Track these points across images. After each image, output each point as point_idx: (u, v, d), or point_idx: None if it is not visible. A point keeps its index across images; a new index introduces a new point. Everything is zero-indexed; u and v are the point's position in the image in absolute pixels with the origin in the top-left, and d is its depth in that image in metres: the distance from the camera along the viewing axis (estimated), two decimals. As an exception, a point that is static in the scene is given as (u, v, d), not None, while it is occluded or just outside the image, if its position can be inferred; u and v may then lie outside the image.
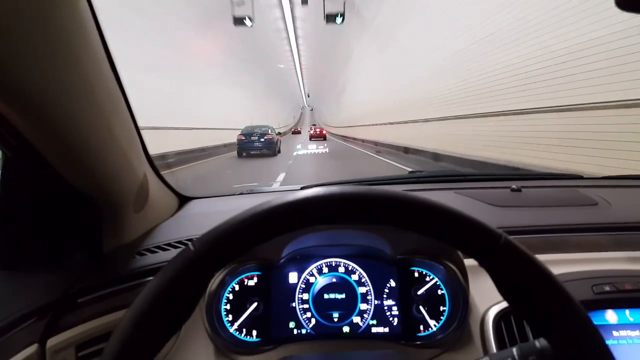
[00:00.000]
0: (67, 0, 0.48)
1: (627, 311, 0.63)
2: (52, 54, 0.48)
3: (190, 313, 0.33)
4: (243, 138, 13.57)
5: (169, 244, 0.79)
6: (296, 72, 38.96)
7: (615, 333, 0.62)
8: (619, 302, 0.63)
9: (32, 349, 0.56)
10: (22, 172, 0.65)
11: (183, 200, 1.10)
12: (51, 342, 0.58)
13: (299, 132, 47.96)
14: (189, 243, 0.32)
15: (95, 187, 0.66)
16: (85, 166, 0.62)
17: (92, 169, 0.63)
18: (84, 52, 0.53)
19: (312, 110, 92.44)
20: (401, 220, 0.34)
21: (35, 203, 0.68)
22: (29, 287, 0.65)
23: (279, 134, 18.69)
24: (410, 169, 1.76)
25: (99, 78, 0.58)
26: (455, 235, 0.34)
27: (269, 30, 21.58)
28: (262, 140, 13.43)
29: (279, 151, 14.23)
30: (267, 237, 0.33)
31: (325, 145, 17.45)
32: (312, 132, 27.63)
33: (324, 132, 27.88)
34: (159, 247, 0.78)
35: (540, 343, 0.41)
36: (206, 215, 0.99)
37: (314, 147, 16.01)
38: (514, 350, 0.42)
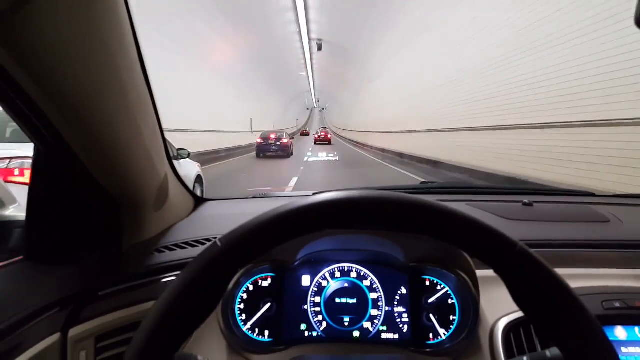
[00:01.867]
0: (105, 4, 0.51)
1: (636, 328, 0.63)
2: (88, 56, 0.50)
3: (215, 306, 0.35)
4: (262, 141, 15.77)
5: (187, 243, 0.81)
6: (307, 70, 37.17)
7: (624, 349, 0.62)
8: (628, 319, 0.63)
9: (55, 337, 0.58)
10: (52, 167, 0.68)
11: (198, 201, 1.12)
12: (73, 332, 0.60)
13: (307, 134, 49.87)
14: (216, 240, 0.34)
15: (120, 184, 0.69)
16: (112, 163, 0.64)
17: (118, 166, 0.65)
18: (119, 55, 0.56)
19: (321, 111, 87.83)
20: (418, 225, 0.35)
21: (61, 198, 0.71)
22: (50, 278, 0.68)
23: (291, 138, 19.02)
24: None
25: (131, 80, 0.61)
26: (471, 242, 0.35)
27: (281, 32, 20.37)
28: (277, 143, 15.57)
29: (291, 153, 16.20)
30: (290, 237, 0.35)
31: (335, 154, 17.30)
32: (317, 136, 29.41)
33: (329, 136, 29.60)
34: (176, 246, 0.80)
35: (550, 353, 0.41)
36: (221, 217, 1.01)
37: (323, 155, 16.13)
38: (525, 358, 0.43)
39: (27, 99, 0.50)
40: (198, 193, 5.74)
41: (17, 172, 2.99)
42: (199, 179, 5.13)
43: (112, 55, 0.55)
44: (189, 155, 4.63)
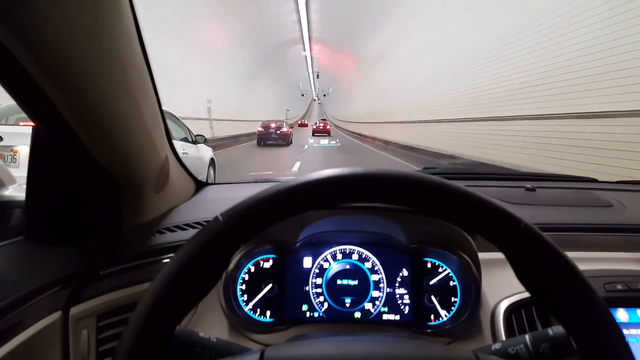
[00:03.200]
0: None
1: (638, 310, 0.63)
2: (88, 32, 0.49)
3: (216, 281, 0.35)
4: (262, 130, 16.57)
5: (188, 224, 0.81)
6: (305, 58, 35.62)
7: (625, 331, 0.62)
8: (630, 301, 0.63)
9: (56, 315, 0.58)
10: (52, 146, 0.67)
11: (199, 185, 1.12)
12: (74, 310, 0.60)
13: (306, 125, 48.80)
14: (218, 215, 0.33)
15: (120, 164, 0.68)
16: (112, 142, 0.63)
17: (118, 146, 0.65)
18: (118, 31, 0.55)
19: (320, 102, 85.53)
20: (423, 202, 0.34)
21: (60, 178, 0.70)
22: (51, 258, 0.67)
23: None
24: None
25: (130, 58, 0.60)
26: (476, 220, 0.34)
27: (278, 17, 19.80)
28: (278, 132, 16.38)
29: (291, 142, 17.06)
30: (292, 213, 0.34)
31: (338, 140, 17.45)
32: (315, 126, 28.44)
33: (328, 126, 28.45)
34: (177, 227, 0.80)
35: (553, 331, 0.41)
36: (223, 200, 1.00)
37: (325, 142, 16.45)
38: (527, 337, 0.42)
39: (26, 77, 0.49)
40: (212, 174, 5.59)
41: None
42: (212, 162, 5.59)
43: (111, 32, 0.53)
44: (205, 141, 5.08)
